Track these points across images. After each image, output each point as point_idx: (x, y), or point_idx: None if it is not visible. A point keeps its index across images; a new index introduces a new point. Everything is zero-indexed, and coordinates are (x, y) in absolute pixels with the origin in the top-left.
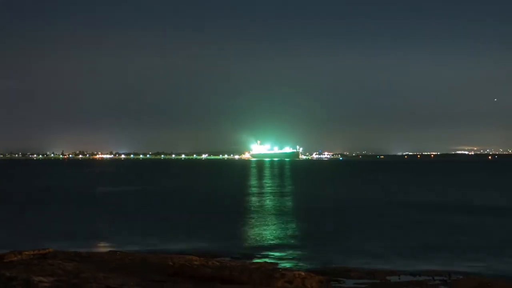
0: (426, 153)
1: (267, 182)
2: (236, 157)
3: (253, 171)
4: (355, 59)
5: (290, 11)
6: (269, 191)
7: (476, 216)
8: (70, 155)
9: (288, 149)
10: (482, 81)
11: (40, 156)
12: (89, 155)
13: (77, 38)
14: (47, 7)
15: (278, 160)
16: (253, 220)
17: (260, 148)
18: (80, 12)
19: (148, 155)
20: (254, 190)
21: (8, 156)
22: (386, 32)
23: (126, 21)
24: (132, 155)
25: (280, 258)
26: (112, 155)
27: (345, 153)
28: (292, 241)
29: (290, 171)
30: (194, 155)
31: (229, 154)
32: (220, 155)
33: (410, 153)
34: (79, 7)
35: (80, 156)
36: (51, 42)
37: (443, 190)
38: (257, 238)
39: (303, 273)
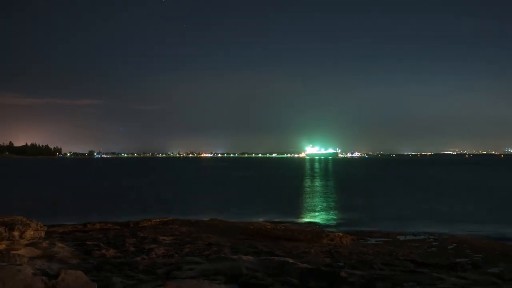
0: (424, 153)
1: (317, 172)
2: (296, 155)
3: (308, 165)
4: (375, 88)
5: (330, 54)
6: (319, 177)
7: (456, 191)
8: (184, 154)
9: (330, 150)
10: (464, 100)
11: (164, 155)
12: (196, 154)
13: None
14: (178, 44)
15: (323, 158)
16: (307, 197)
17: (312, 149)
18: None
19: (236, 154)
20: (309, 176)
21: (142, 155)
22: (395, 67)
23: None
24: (225, 154)
25: (325, 224)
26: (212, 154)
27: (368, 153)
28: (334, 211)
29: (332, 165)
30: (267, 154)
31: (291, 154)
32: (285, 154)
33: (413, 153)
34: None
35: (191, 155)
36: (179, 81)
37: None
38: (310, 209)
39: (341, 234)
